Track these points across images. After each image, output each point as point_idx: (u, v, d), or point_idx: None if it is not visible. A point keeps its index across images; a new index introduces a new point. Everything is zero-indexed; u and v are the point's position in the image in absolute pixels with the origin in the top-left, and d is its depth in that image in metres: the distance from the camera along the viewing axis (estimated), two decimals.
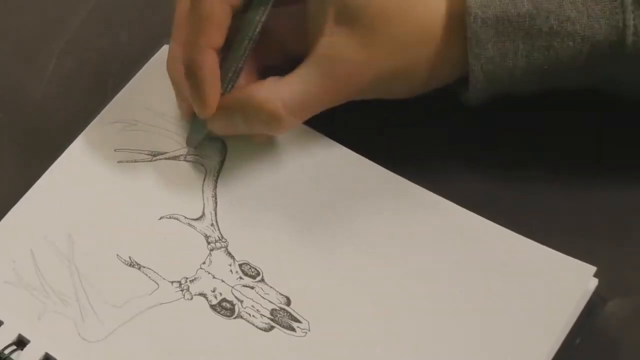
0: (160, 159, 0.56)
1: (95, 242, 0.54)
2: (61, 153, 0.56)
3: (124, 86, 0.59)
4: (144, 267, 0.53)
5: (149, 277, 0.53)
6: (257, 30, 0.53)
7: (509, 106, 0.55)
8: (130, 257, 0.53)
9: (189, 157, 0.56)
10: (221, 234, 0.54)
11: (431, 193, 0.54)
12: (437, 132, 0.57)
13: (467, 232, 0.53)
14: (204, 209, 0.55)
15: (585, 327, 0.50)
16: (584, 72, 0.52)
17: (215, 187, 0.55)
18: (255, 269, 0.53)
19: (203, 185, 0.56)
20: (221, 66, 0.53)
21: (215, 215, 0.55)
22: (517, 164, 0.56)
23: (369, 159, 0.55)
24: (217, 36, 0.52)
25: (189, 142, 0.57)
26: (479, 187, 0.55)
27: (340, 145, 0.56)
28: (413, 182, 0.54)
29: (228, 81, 0.53)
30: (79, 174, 0.56)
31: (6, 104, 0.59)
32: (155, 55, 0.59)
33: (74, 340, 0.51)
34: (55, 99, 0.59)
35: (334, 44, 0.52)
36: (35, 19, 0.62)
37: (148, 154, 0.57)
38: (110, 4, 0.62)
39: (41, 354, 0.50)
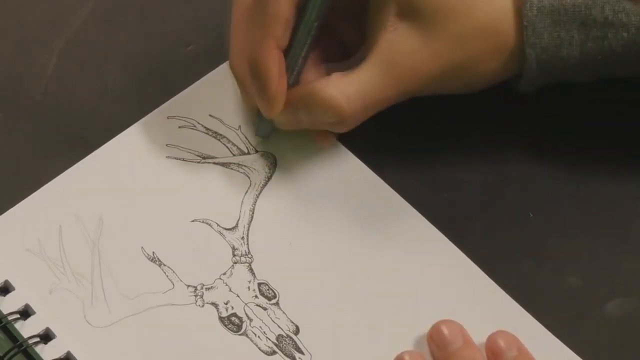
0: (208, 163, 0.56)
1: (123, 230, 0.53)
2: (61, 153, 0.56)
3: (124, 86, 0.59)
4: (165, 265, 0.52)
5: (167, 275, 0.52)
6: (322, 16, 0.51)
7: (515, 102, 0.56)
8: (153, 253, 0.53)
9: (236, 167, 0.56)
10: (248, 249, 0.53)
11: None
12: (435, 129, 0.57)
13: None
14: (238, 221, 0.54)
15: None
16: (638, 62, 0.52)
17: (256, 201, 0.55)
18: (273, 291, 0.52)
19: (244, 197, 0.55)
20: (285, 56, 0.52)
21: (248, 229, 0.54)
22: (518, 162, 0.56)
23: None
24: (284, 36, 0.51)
25: (258, 132, 0.56)
26: (478, 186, 0.55)
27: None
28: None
29: (294, 73, 0.52)
30: (124, 160, 0.56)
31: (6, 104, 0.59)
32: (223, 64, 0.59)
33: (78, 322, 0.51)
34: (55, 98, 0.59)
35: (396, 39, 0.51)
36: (35, 19, 0.62)
37: (197, 155, 0.56)
38: (110, 4, 0.62)
39: (42, 327, 0.50)
